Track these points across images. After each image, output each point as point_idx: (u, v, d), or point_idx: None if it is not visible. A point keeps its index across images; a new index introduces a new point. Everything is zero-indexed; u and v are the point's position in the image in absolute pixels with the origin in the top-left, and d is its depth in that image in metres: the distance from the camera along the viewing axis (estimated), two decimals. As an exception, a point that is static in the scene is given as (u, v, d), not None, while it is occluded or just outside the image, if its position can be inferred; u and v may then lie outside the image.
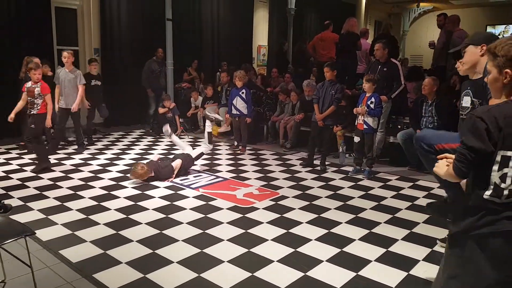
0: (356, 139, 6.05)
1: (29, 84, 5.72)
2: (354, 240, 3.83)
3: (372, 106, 5.81)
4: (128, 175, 5.55)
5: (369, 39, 10.30)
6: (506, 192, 1.73)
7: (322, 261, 3.41)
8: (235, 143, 7.70)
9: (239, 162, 6.73)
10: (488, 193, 1.76)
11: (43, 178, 5.52)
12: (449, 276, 1.89)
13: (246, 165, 6.54)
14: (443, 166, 1.91)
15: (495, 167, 1.73)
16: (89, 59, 8.32)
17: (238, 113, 7.37)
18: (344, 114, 7.04)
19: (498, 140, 1.69)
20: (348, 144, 6.77)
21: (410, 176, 5.98)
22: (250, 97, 7.44)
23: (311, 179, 5.83)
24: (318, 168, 6.30)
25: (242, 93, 7.27)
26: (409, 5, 17.11)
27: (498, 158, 1.72)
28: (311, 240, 3.80)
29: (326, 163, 6.41)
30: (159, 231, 3.92)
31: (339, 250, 3.61)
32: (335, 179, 5.83)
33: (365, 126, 5.87)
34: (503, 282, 1.79)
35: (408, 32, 18.28)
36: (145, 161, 5.74)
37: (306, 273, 3.20)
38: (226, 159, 6.92)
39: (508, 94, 1.78)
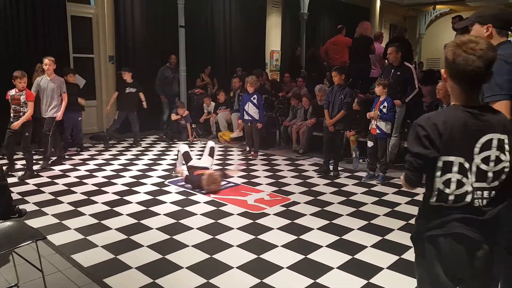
0: (370, 143, 5.99)
1: (12, 92, 5.79)
2: (366, 247, 3.78)
3: (384, 110, 5.75)
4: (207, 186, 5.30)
5: (384, 42, 10.23)
6: (451, 197, 1.73)
7: (333, 268, 3.37)
8: (247, 149, 7.70)
9: (250, 167, 6.73)
10: (433, 199, 1.77)
11: (58, 184, 5.61)
12: (419, 279, 1.94)
13: (258, 170, 6.53)
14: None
15: (438, 173, 1.73)
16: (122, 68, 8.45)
17: (249, 118, 7.38)
18: (357, 119, 6.98)
19: (439, 146, 1.70)
20: (361, 149, 6.71)
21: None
22: (261, 102, 7.44)
23: (324, 184, 5.79)
24: (331, 173, 6.25)
25: (254, 98, 7.28)
26: (425, 7, 16.94)
27: (440, 164, 1.72)
28: (322, 246, 3.77)
29: (339, 168, 6.36)
30: (170, 237, 3.94)
31: (350, 257, 3.57)
32: (348, 185, 5.79)
33: (377, 131, 5.82)
34: (458, 282, 1.81)
35: (425, 35, 18.09)
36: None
37: (316, 280, 3.17)
38: (238, 164, 6.93)
39: (452, 96, 1.80)
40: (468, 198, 1.72)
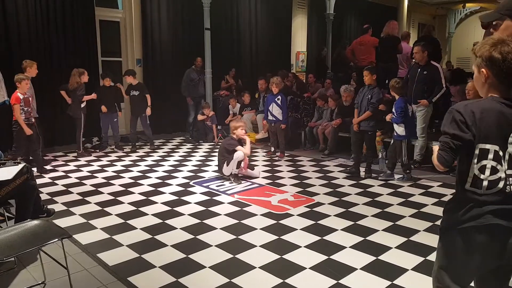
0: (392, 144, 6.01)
1: (20, 95, 6.01)
2: (391, 248, 3.71)
3: (395, 113, 5.75)
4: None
5: (411, 42, 10.04)
6: (485, 183, 1.80)
7: (356, 269, 3.32)
8: (272, 149, 7.70)
9: (275, 168, 6.71)
10: (468, 185, 1.84)
11: (86, 184, 5.74)
12: (439, 267, 2.00)
13: (283, 171, 6.51)
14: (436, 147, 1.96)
15: (475, 160, 1.81)
16: (125, 71, 8.56)
17: (274, 119, 7.38)
18: (383, 119, 6.87)
19: (475, 133, 1.77)
20: (387, 150, 6.59)
21: (453, 183, 5.71)
22: (285, 103, 7.42)
23: (349, 185, 5.72)
24: (362, 175, 6.17)
25: (278, 99, 7.27)
26: (454, 6, 16.55)
27: (477, 151, 1.80)
28: (346, 247, 3.72)
29: (363, 169, 6.25)
30: (193, 236, 3.97)
31: (374, 258, 3.51)
32: (373, 186, 5.70)
33: (394, 133, 5.84)
34: (489, 272, 1.88)
35: (454, 34, 17.67)
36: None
37: (339, 281, 3.13)
38: (263, 165, 6.93)
39: (488, 91, 1.86)
40: (501, 184, 1.80)
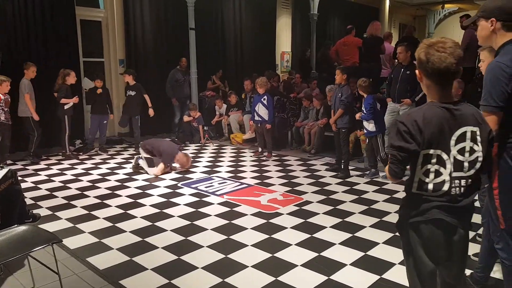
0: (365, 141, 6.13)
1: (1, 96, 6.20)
2: (378, 243, 3.77)
3: (365, 110, 5.89)
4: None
5: (393, 42, 10.18)
6: (430, 186, 1.87)
7: (346, 264, 3.37)
8: (259, 150, 7.71)
9: (263, 168, 6.73)
10: (414, 188, 1.92)
11: (71, 188, 5.66)
12: (405, 261, 2.07)
13: (271, 171, 6.53)
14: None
15: (419, 165, 1.88)
16: (124, 70, 8.54)
17: (260, 119, 7.39)
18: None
19: (420, 140, 1.82)
20: (365, 149, 6.70)
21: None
22: (271, 103, 7.43)
23: (336, 184, 5.78)
24: (342, 173, 6.21)
25: (264, 99, 7.29)
26: (434, 7, 16.83)
27: (421, 157, 1.86)
28: (335, 244, 3.76)
29: (350, 167, 6.32)
30: (184, 238, 3.95)
31: (363, 253, 3.57)
32: (359, 183, 5.76)
33: (364, 130, 5.97)
34: (437, 263, 1.97)
35: (434, 34, 17.96)
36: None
37: (330, 277, 3.17)
38: (251, 165, 6.93)
39: (428, 94, 1.92)
40: (446, 187, 1.87)
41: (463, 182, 1.88)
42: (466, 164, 1.88)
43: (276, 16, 12.73)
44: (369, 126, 5.92)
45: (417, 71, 1.89)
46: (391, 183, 5.72)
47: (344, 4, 14.35)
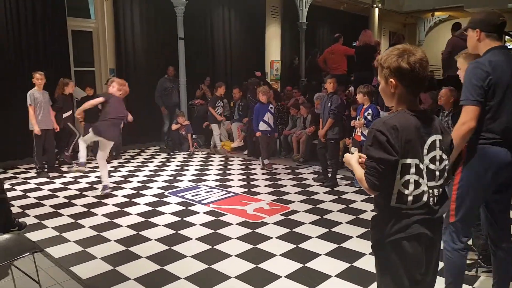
0: (353, 150, 6.00)
1: None
2: (365, 254, 3.77)
3: (369, 117, 5.77)
4: None
5: (382, 50, 10.28)
6: (410, 198, 1.79)
7: (331, 276, 3.37)
8: (266, 162, 7.29)
9: (251, 176, 6.74)
10: (393, 202, 1.81)
11: (59, 197, 5.64)
12: (380, 285, 1.96)
13: (258, 179, 6.54)
14: (354, 159, 1.92)
15: (398, 176, 1.78)
16: (107, 79, 8.50)
17: (269, 129, 7.06)
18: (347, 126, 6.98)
19: (398, 149, 1.75)
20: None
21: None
22: (275, 112, 7.20)
23: (323, 193, 5.80)
24: (329, 182, 6.24)
25: (271, 108, 7.01)
26: (424, 14, 16.98)
27: (399, 167, 1.77)
28: (321, 255, 3.77)
29: (338, 176, 6.34)
30: (168, 247, 3.95)
31: (349, 264, 3.57)
32: (347, 193, 5.79)
33: (362, 138, 5.84)
34: (419, 282, 1.87)
35: (424, 42, 18.12)
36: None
37: (314, 288, 3.18)
38: (238, 174, 6.95)
39: (399, 102, 1.86)
40: (425, 197, 1.81)
41: (436, 191, 1.85)
42: (437, 173, 1.85)
43: (266, 25, 12.80)
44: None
45: (392, 80, 1.82)
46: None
47: (333, 12, 14.45)
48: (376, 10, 14.69)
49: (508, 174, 2.54)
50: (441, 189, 1.88)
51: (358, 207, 5.14)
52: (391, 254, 1.84)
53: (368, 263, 3.58)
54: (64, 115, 7.30)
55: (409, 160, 1.77)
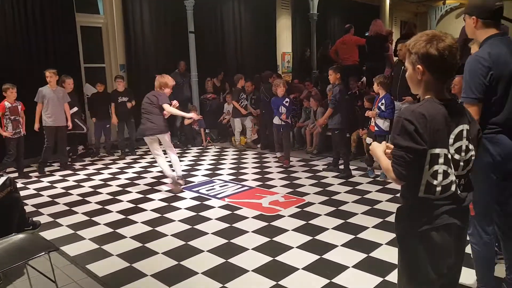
0: (368, 140, 5.98)
1: (7, 103, 6.25)
2: (381, 244, 3.72)
3: (382, 107, 5.67)
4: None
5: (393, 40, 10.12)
6: (439, 188, 1.74)
7: (348, 267, 3.32)
8: (278, 155, 7.24)
9: (265, 170, 6.69)
10: (421, 192, 1.76)
11: (72, 194, 5.65)
12: (406, 278, 1.89)
13: (272, 172, 6.49)
14: (381, 149, 1.86)
15: (427, 166, 1.73)
16: (115, 76, 8.53)
17: (283, 123, 6.91)
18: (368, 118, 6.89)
19: (427, 138, 1.70)
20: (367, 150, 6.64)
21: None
22: (291, 106, 7.00)
23: (338, 184, 5.73)
24: (339, 174, 6.17)
25: (286, 102, 6.90)
26: (435, 3, 16.73)
27: (428, 157, 1.73)
28: (337, 246, 3.72)
29: (353, 167, 6.26)
30: (185, 242, 3.92)
31: (365, 255, 3.51)
32: (362, 183, 5.71)
33: (376, 128, 5.75)
34: (443, 275, 1.83)
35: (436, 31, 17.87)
36: None
37: (332, 280, 3.12)
38: (252, 167, 6.90)
39: (426, 90, 1.81)
40: (453, 187, 1.76)
41: (462, 180, 1.81)
42: (461, 163, 1.79)
43: (276, 16, 12.68)
44: (384, 124, 5.71)
45: (419, 67, 1.76)
46: (382, 178, 5.74)
47: (344, 2, 14.28)
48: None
49: None
50: (467, 178, 1.83)
51: (373, 198, 5.06)
52: (418, 246, 1.79)
53: (385, 253, 3.53)
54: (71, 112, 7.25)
55: (437, 150, 1.72)
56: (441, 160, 1.73)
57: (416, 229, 1.78)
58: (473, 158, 1.83)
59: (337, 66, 6.52)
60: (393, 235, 3.88)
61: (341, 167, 6.23)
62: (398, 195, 4.90)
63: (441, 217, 1.76)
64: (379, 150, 1.86)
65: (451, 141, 1.76)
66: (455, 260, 1.85)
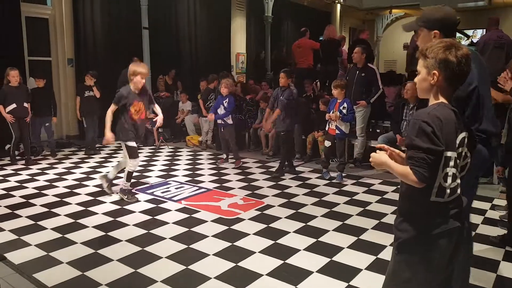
0: (327, 143, 6.05)
1: None
2: (343, 248, 3.72)
3: (344, 111, 5.79)
4: None
5: (345, 46, 10.37)
6: (448, 190, 1.79)
7: (313, 272, 3.28)
8: (224, 156, 7.13)
9: (222, 171, 6.57)
10: (434, 195, 1.79)
11: (15, 196, 5.24)
12: (401, 281, 1.90)
13: (229, 174, 6.38)
14: (387, 157, 1.88)
15: (440, 169, 1.76)
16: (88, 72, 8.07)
17: (223, 123, 6.86)
18: (325, 120, 6.96)
19: (442, 141, 1.73)
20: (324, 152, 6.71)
21: (393, 180, 5.89)
22: (232, 106, 6.88)
23: (296, 186, 5.72)
24: (301, 175, 6.19)
25: (225, 101, 6.86)
26: (382, 11, 17.33)
27: (442, 159, 1.76)
28: (300, 250, 3.68)
29: (308, 169, 6.31)
30: (141, 248, 3.72)
31: (328, 259, 3.50)
32: (319, 185, 5.74)
33: (337, 131, 5.87)
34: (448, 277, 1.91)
35: (382, 38, 18.52)
36: None
37: (297, 286, 3.07)
38: (209, 168, 6.75)
39: (437, 95, 1.86)
40: (459, 190, 1.83)
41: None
42: (459, 168, 1.85)
43: (231, 17, 12.60)
44: (345, 128, 5.85)
45: (435, 72, 1.80)
46: (350, 184, 5.78)
47: (297, 7, 14.45)
48: (338, 6, 14.83)
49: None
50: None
51: (331, 200, 5.11)
52: (422, 251, 1.81)
53: (347, 257, 3.54)
54: (7, 109, 6.73)
55: (449, 153, 1.77)
56: (451, 163, 1.77)
57: (426, 233, 1.80)
58: (468, 165, 1.90)
59: (288, 69, 6.52)
60: (353, 239, 3.92)
61: (298, 168, 6.26)
62: (355, 197, 4.94)
63: (448, 221, 1.80)
64: (386, 157, 1.86)
65: (456, 146, 1.82)
66: (451, 260, 1.88)
